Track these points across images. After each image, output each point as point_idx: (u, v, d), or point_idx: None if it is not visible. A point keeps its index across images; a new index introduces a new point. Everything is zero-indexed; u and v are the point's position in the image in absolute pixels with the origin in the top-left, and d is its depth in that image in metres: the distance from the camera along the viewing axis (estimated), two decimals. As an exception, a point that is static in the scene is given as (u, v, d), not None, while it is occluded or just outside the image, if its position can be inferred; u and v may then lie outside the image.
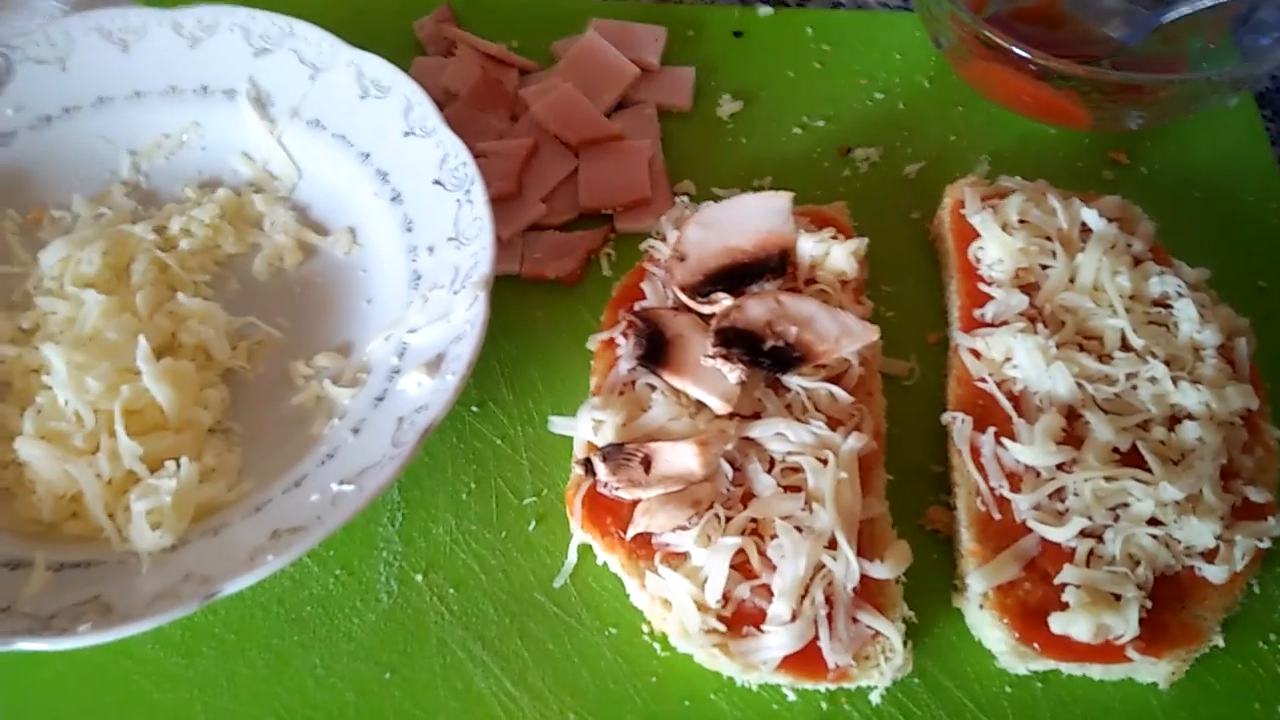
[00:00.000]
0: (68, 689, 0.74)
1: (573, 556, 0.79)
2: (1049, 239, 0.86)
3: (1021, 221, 0.87)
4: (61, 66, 0.98)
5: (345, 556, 0.80)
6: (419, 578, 0.79)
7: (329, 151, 0.96)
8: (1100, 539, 0.73)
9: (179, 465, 0.77)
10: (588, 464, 0.77)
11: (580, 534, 0.77)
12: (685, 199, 0.97)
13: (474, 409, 0.88)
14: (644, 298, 0.87)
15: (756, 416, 0.78)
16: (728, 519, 0.74)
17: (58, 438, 0.78)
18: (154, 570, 0.72)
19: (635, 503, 0.75)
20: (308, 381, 0.86)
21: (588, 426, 0.79)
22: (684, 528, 0.73)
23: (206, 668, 0.75)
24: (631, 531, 0.74)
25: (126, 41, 0.99)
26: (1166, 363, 0.79)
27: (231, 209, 0.96)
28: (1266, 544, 0.74)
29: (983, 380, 0.81)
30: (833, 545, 0.72)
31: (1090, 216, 0.87)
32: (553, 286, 0.95)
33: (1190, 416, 0.77)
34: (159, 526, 0.74)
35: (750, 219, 0.89)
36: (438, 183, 0.89)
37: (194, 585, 0.69)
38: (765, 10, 1.17)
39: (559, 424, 0.85)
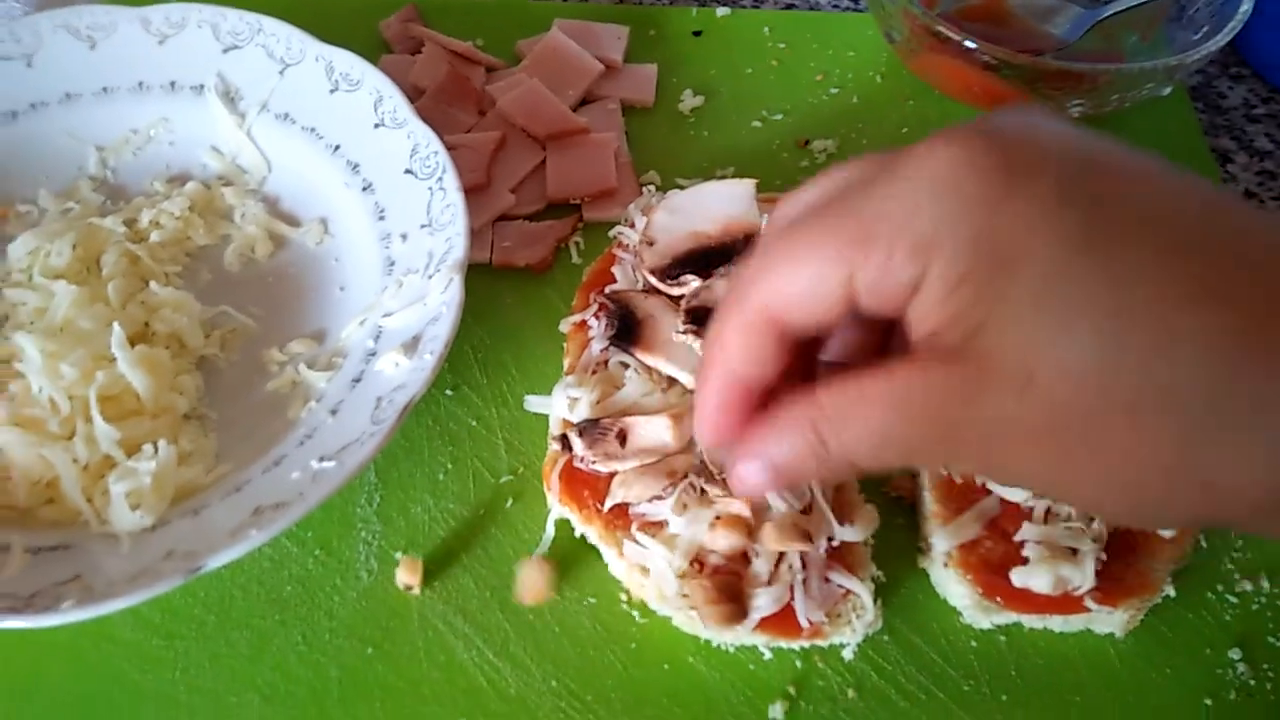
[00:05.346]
0: (48, 676, 0.74)
1: (550, 530, 0.80)
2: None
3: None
4: (28, 63, 0.98)
5: (324, 536, 0.81)
6: (399, 555, 0.80)
7: (299, 144, 0.97)
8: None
9: (157, 448, 0.77)
10: (565, 440, 0.79)
11: (558, 508, 0.79)
12: (651, 188, 0.99)
13: (449, 392, 0.89)
14: (614, 281, 0.89)
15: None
16: (702, 491, 0.76)
17: (32, 424, 0.78)
18: (135, 550, 0.72)
19: (612, 476, 0.77)
20: (282, 367, 0.87)
21: (563, 404, 0.81)
22: (660, 497, 0.76)
23: (188, 649, 0.75)
24: (609, 503, 0.76)
25: (94, 38, 0.99)
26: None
27: (201, 202, 0.96)
28: (1212, 498, 0.78)
29: (941, 352, 0.84)
30: (805, 510, 0.75)
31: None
32: (523, 274, 0.97)
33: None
34: (138, 507, 0.74)
35: (715, 205, 0.91)
36: (409, 172, 0.91)
37: (176, 561, 0.69)
38: (723, 11, 1.21)
39: (534, 402, 0.86)
